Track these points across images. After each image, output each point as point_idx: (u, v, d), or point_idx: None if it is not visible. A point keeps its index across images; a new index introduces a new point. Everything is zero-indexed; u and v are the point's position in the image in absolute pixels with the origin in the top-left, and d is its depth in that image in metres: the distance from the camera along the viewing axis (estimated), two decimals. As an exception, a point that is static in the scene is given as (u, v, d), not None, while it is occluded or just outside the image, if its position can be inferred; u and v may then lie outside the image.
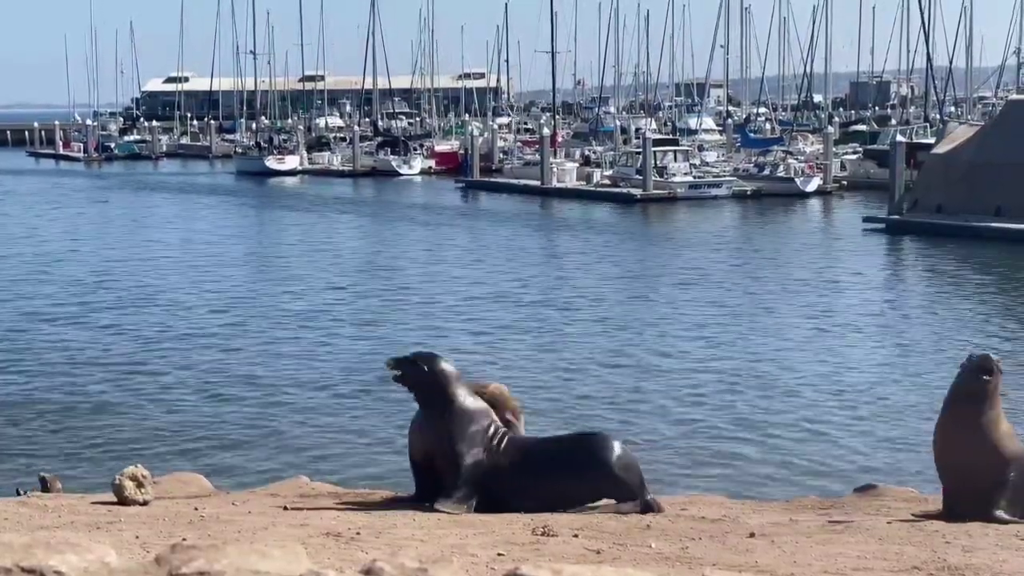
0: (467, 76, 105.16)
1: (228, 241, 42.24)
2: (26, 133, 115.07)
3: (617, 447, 7.58)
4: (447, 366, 7.71)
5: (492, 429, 7.60)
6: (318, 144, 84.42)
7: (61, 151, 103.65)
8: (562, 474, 7.47)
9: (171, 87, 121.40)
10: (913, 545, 6.17)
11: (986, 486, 7.20)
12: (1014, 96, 55.64)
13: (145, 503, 7.34)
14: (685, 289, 29.21)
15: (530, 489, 7.45)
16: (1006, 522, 7.07)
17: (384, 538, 6.06)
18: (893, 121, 74.75)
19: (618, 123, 75.13)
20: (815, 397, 17.83)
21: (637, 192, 53.86)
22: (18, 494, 8.82)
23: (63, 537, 3.18)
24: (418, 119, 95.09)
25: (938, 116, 61.91)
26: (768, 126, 76.73)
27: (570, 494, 7.44)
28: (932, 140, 48.42)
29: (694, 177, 55.80)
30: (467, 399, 7.65)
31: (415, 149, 77.73)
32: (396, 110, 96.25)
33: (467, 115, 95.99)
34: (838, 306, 26.54)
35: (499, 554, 5.63)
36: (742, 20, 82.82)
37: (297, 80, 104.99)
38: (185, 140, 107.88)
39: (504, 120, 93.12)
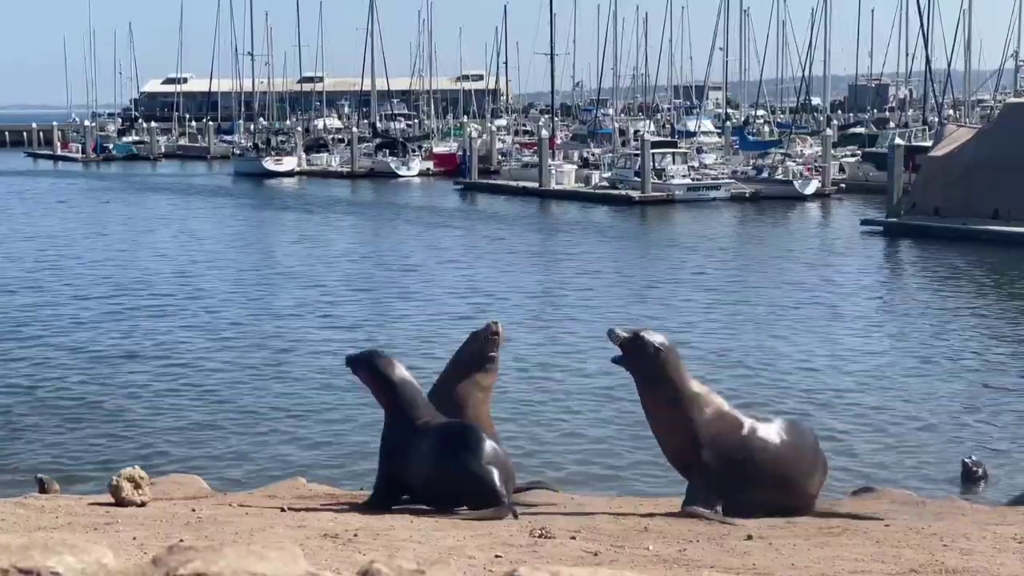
0: (466, 78, 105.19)
1: (225, 242, 42.22)
2: (24, 134, 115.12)
3: (487, 443, 7.29)
4: (387, 362, 7.61)
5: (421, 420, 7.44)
6: (316, 145, 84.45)
7: (59, 152, 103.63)
8: (432, 465, 7.27)
9: (170, 88, 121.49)
10: (911, 548, 6.17)
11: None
12: (1012, 99, 55.67)
13: (142, 504, 7.34)
14: (683, 291, 29.20)
15: (419, 480, 7.31)
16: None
17: (382, 539, 6.05)
18: (891, 124, 74.89)
19: (616, 125, 75.19)
20: (812, 400, 17.82)
21: (635, 194, 53.88)
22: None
23: (60, 538, 3.18)
24: (416, 121, 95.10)
25: (936, 119, 61.95)
26: (767, 129, 76.78)
27: (434, 487, 7.26)
28: (930, 143, 48.49)
29: (692, 179, 55.85)
30: (405, 389, 7.51)
31: (413, 151, 77.75)
32: (394, 111, 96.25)
33: (465, 117, 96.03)
34: (836, 308, 26.53)
35: (497, 556, 5.63)
36: (741, 23, 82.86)
37: (296, 81, 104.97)
38: (183, 141, 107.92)
39: (502, 122, 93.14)
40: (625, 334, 7.44)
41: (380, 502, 7.45)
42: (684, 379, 7.41)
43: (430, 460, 7.27)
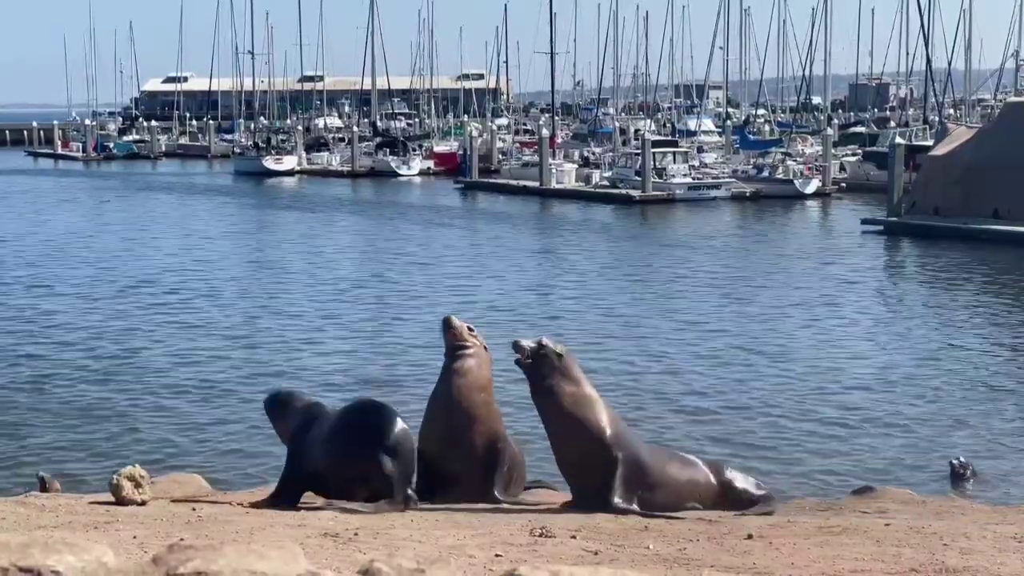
0: (466, 77, 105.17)
1: (226, 241, 42.23)
2: (25, 133, 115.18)
3: (399, 425, 7.36)
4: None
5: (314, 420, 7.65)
6: (317, 144, 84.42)
7: (60, 151, 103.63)
8: (342, 448, 7.36)
9: (170, 87, 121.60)
10: (911, 547, 6.17)
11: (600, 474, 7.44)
12: (1012, 98, 55.63)
13: (143, 503, 7.34)
14: (683, 291, 29.21)
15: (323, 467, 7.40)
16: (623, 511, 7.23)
17: (382, 539, 6.05)
18: (892, 123, 74.80)
19: (617, 124, 75.16)
20: (812, 399, 17.82)
21: (636, 193, 53.86)
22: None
23: (60, 537, 3.18)
24: (417, 120, 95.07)
25: (937, 118, 61.94)
26: (767, 128, 76.77)
27: (341, 472, 7.33)
28: (931, 142, 48.48)
29: (693, 179, 55.82)
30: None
31: (414, 150, 77.70)
32: (395, 111, 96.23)
33: (466, 116, 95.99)
34: (836, 308, 26.53)
35: (497, 555, 5.63)
36: (741, 22, 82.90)
37: (296, 80, 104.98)
38: (184, 140, 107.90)
39: (503, 121, 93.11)
40: (531, 344, 7.65)
41: (287, 492, 7.59)
42: (585, 382, 7.71)
43: (334, 444, 7.39)
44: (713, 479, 7.83)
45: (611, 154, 63.79)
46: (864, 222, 43.06)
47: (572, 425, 7.53)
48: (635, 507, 7.34)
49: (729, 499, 7.77)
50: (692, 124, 76.22)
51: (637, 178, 54.90)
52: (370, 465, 7.21)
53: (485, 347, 8.13)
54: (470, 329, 8.14)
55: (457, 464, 7.85)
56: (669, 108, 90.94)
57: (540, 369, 7.59)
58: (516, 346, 7.64)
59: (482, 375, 8.00)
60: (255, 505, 7.64)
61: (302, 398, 7.95)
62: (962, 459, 13.65)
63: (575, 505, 7.56)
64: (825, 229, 46.23)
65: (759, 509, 7.73)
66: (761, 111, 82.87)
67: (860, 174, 59.60)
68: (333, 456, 7.37)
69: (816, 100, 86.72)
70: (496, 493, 7.84)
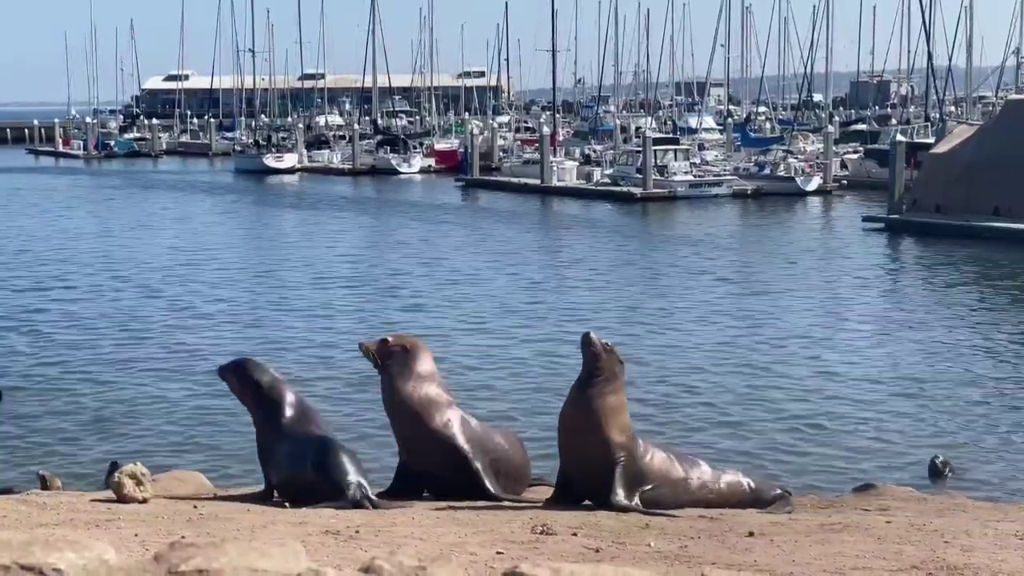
0: (467, 75, 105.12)
1: (227, 240, 42.23)
2: (25, 131, 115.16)
3: (352, 473, 7.58)
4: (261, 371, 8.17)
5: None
6: (317, 142, 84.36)
7: (61, 149, 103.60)
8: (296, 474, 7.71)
9: (171, 85, 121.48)
10: (912, 544, 6.17)
11: (600, 470, 7.44)
12: (1013, 96, 55.55)
13: (144, 501, 7.34)
14: (685, 288, 29.21)
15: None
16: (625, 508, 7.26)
17: (383, 536, 6.06)
18: (893, 121, 74.74)
19: (618, 122, 75.05)
20: (813, 396, 17.83)
21: (637, 191, 53.86)
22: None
23: (62, 535, 3.18)
24: (418, 117, 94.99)
25: (938, 116, 61.92)
26: (768, 125, 76.70)
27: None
28: (932, 140, 48.46)
29: (694, 176, 55.81)
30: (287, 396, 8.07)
31: (415, 147, 77.64)
32: (396, 108, 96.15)
33: (467, 113, 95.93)
34: (837, 305, 26.55)
35: (498, 552, 5.63)
36: (743, 19, 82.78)
37: (297, 78, 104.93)
38: (185, 138, 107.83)
39: (504, 119, 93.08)
40: (604, 342, 7.70)
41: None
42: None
43: (286, 466, 7.82)
44: (727, 484, 7.86)
45: (612, 152, 63.75)
46: (865, 219, 43.08)
47: (611, 421, 7.53)
48: (636, 505, 7.33)
49: (746, 502, 7.79)
50: (693, 122, 76.15)
51: (638, 176, 54.90)
52: (311, 482, 7.61)
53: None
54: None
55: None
56: (670, 105, 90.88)
57: (613, 367, 7.60)
58: (588, 338, 7.62)
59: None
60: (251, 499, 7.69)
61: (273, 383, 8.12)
62: (942, 457, 13.82)
63: (556, 500, 7.58)
64: (826, 227, 46.23)
65: (778, 508, 7.74)
66: (762, 108, 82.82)
67: (861, 171, 59.60)
68: (287, 478, 7.82)
69: (817, 97, 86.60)
70: (488, 487, 7.87)
